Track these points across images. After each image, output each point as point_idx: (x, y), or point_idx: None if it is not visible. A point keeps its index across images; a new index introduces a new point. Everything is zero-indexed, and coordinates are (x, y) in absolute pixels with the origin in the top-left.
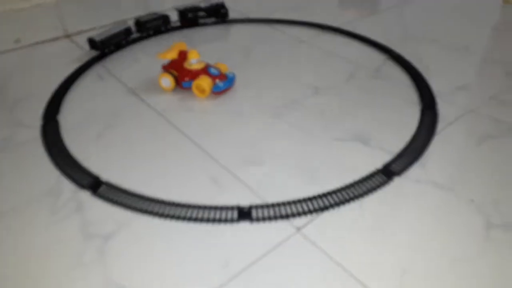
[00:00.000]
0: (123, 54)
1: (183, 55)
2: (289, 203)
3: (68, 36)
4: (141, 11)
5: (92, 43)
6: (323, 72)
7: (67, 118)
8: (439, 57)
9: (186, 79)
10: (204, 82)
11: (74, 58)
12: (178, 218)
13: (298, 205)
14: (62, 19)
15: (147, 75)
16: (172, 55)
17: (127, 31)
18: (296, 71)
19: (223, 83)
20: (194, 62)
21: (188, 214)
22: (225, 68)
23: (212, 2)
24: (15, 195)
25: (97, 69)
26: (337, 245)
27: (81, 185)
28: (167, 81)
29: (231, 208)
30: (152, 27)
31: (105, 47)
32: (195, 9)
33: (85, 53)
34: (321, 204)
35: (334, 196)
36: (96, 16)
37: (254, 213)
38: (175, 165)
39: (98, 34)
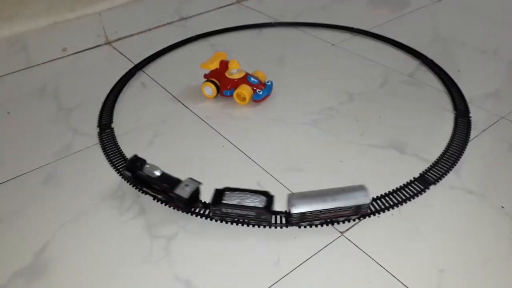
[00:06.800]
0: (161, 61)
1: (224, 65)
2: None
3: (109, 43)
4: (176, 18)
5: None
6: (356, 78)
7: (118, 126)
8: (469, 61)
9: (228, 87)
10: (245, 90)
11: (116, 64)
12: (232, 221)
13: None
14: (103, 27)
15: (188, 83)
16: (215, 65)
17: None
18: (330, 77)
19: (262, 91)
20: (234, 72)
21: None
22: (263, 76)
23: None
24: (84, 198)
25: (140, 76)
26: (378, 248)
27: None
28: (209, 89)
29: (282, 213)
30: None
31: None
32: None
33: (126, 59)
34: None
35: (374, 203)
36: (135, 23)
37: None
38: (224, 170)
39: None
